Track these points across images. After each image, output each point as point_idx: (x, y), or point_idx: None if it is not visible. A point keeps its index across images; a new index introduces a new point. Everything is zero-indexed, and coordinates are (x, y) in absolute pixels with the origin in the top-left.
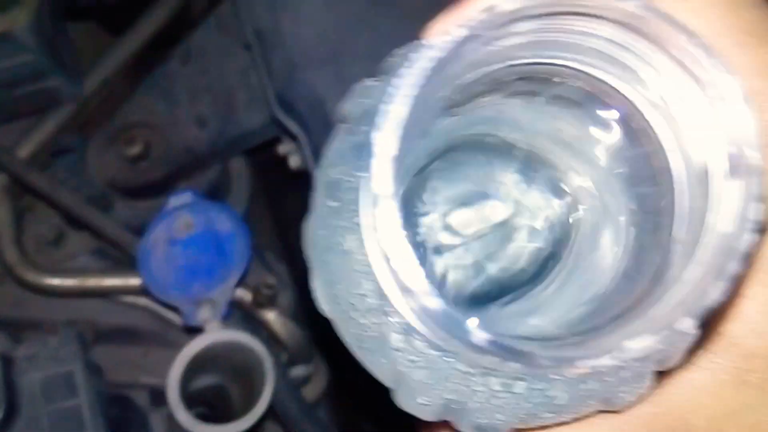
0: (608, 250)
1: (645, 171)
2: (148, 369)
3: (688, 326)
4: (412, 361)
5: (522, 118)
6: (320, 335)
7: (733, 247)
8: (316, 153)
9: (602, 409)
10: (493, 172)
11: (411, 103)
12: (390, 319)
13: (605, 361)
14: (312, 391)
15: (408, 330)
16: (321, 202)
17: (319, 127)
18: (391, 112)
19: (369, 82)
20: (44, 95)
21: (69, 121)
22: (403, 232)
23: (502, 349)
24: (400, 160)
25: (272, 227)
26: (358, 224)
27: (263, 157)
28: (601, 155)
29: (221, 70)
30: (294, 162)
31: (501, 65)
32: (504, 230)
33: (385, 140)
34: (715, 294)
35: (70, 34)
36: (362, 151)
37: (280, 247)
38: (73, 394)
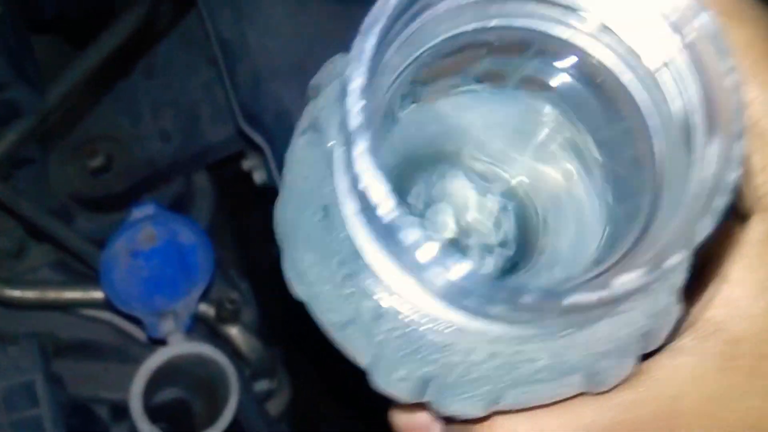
0: (587, 207)
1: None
2: (109, 383)
3: (677, 261)
4: (389, 330)
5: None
6: (283, 351)
7: (719, 184)
8: (281, 165)
9: (585, 390)
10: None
11: (378, 40)
12: (365, 282)
13: (589, 297)
14: (274, 407)
15: (383, 292)
16: (292, 176)
17: (285, 139)
18: (360, 50)
19: (337, 58)
20: (6, 107)
21: (30, 132)
22: (378, 170)
23: (483, 284)
24: (372, 94)
25: (235, 243)
26: (331, 190)
27: (227, 172)
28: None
29: (185, 84)
30: (259, 177)
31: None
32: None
33: (357, 72)
34: (703, 229)
35: (33, 46)
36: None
37: (243, 263)
38: (35, 404)
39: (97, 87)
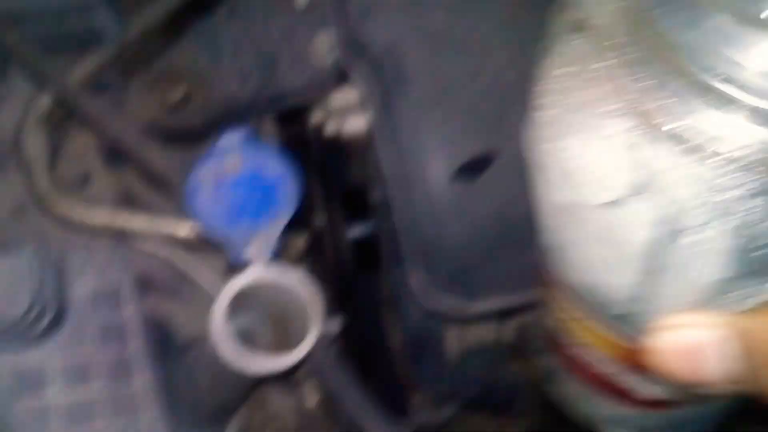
0: None
1: None
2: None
3: None
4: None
5: None
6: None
7: None
8: (385, 101)
9: None
10: None
11: None
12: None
13: None
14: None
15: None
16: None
17: (392, 74)
18: None
19: None
20: (88, 31)
21: (111, 60)
22: None
23: None
24: None
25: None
26: None
27: (294, 123)
28: None
29: (266, 28)
30: (329, 130)
31: None
32: None
33: None
34: None
35: None
36: None
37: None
38: (119, 310)
39: (180, 22)
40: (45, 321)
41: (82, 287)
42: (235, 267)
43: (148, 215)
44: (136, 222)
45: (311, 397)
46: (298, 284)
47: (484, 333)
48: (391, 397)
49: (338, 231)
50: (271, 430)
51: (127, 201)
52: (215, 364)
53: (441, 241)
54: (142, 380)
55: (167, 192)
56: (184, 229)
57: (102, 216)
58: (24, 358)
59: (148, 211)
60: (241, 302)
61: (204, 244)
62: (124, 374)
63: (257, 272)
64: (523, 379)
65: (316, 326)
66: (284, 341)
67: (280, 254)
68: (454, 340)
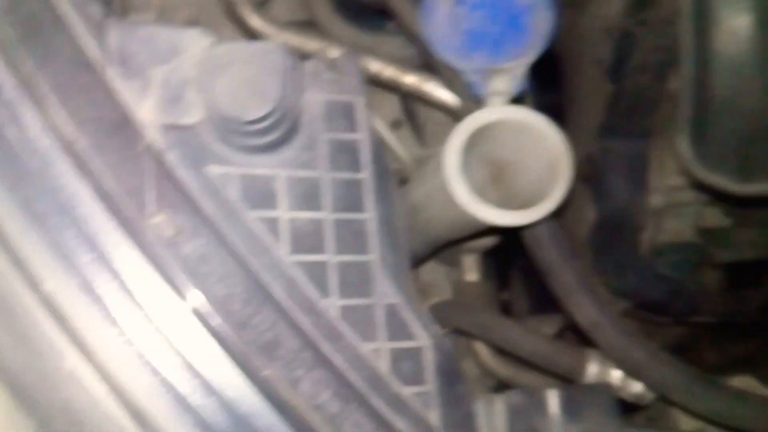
0: None
1: None
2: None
3: None
4: None
5: None
6: None
7: None
8: None
9: None
10: None
11: None
12: None
13: None
14: None
15: None
16: None
17: None
18: None
19: None
20: None
21: None
22: None
23: None
24: None
25: None
26: None
27: None
28: None
29: None
30: None
31: None
32: None
33: None
34: None
35: None
36: None
37: None
38: (352, 128)
39: None
40: (283, 127)
41: (315, 97)
42: (470, 102)
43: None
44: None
45: (471, 273)
46: (549, 129)
47: (678, 231)
48: None
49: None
50: (427, 296)
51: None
52: (444, 205)
53: (734, 100)
54: (370, 214)
55: None
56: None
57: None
58: (255, 166)
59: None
60: (475, 143)
61: (437, 72)
62: (353, 202)
63: (497, 111)
64: (711, 290)
65: (566, 179)
66: (508, 197)
67: (522, 99)
68: (648, 235)
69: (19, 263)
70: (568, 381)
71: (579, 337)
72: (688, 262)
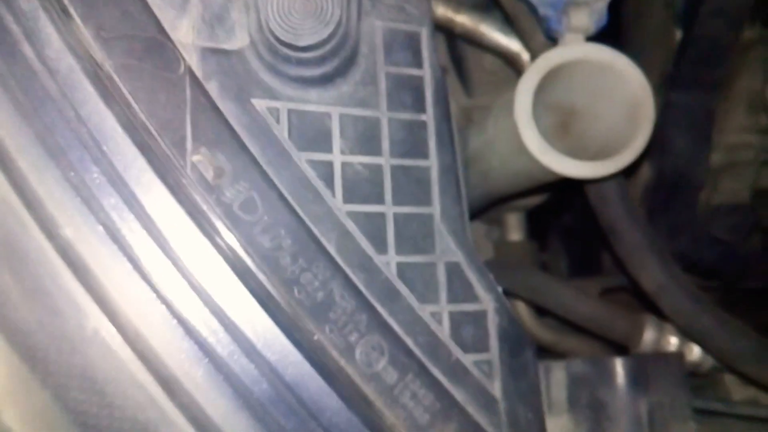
0: None
1: None
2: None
3: None
4: None
5: None
6: None
7: None
8: None
9: None
10: None
11: None
12: None
13: None
14: None
15: None
16: None
17: None
18: None
19: None
20: None
21: None
22: None
23: None
24: None
25: None
26: None
27: None
28: None
29: None
30: None
31: None
32: None
33: None
34: None
35: None
36: None
37: None
38: (417, 63)
39: None
40: (341, 56)
41: (376, 24)
42: (548, 37)
43: None
44: None
45: (514, 233)
46: (634, 71)
47: (735, 192)
48: None
49: None
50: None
51: None
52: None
53: None
54: (433, 161)
55: None
56: None
57: None
58: (308, 101)
59: None
60: (545, 87)
61: (504, 4)
62: (415, 146)
63: (576, 49)
64: (759, 254)
65: (648, 128)
66: (576, 147)
67: (606, 34)
68: (704, 195)
69: (34, 204)
70: (617, 347)
71: (623, 302)
72: (743, 225)
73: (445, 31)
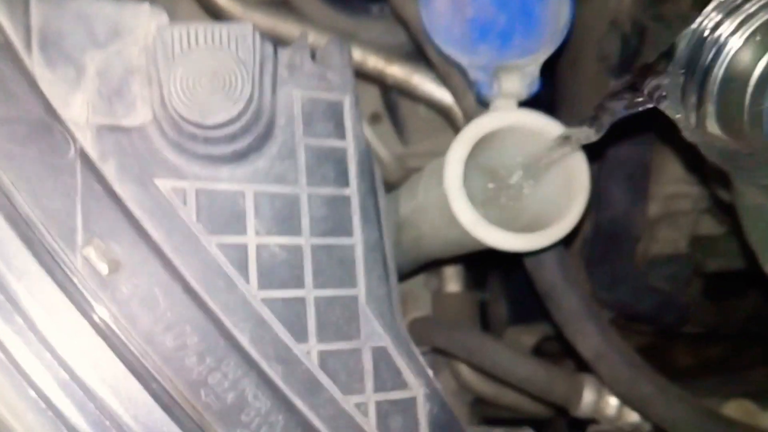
0: None
1: None
2: None
3: None
4: None
5: None
6: None
7: None
8: None
9: None
10: None
11: None
12: None
13: None
14: None
15: None
16: None
17: None
18: None
19: None
20: None
21: None
22: None
23: None
24: None
25: None
26: None
27: None
28: None
29: None
30: None
31: None
32: None
33: None
34: None
35: None
36: None
37: None
38: (339, 134)
39: None
40: (254, 132)
41: (294, 94)
42: (479, 102)
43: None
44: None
45: (452, 284)
46: (565, 137)
47: (673, 242)
48: None
49: None
50: (405, 311)
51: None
52: (439, 225)
53: None
54: (357, 238)
55: None
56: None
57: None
58: (218, 180)
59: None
60: (477, 151)
61: (434, 67)
62: (337, 224)
63: (507, 116)
64: (698, 301)
65: (583, 198)
66: (511, 212)
67: (538, 100)
68: (641, 248)
69: None
70: (557, 406)
71: (562, 348)
72: (681, 274)
73: (377, 82)
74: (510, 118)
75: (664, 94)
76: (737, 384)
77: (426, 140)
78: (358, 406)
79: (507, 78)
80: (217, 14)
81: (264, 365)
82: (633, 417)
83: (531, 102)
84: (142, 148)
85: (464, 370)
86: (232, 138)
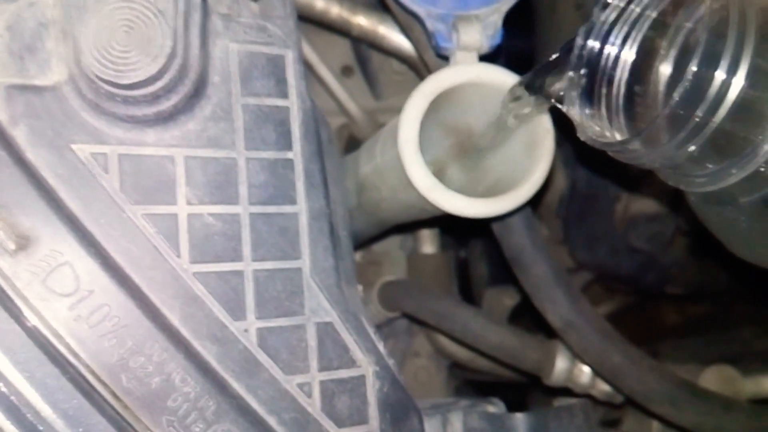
0: None
1: None
2: None
3: None
4: None
5: None
6: None
7: None
8: None
9: None
10: None
11: None
12: None
13: None
14: None
15: None
16: None
17: None
18: None
19: None
20: None
21: None
22: None
23: None
24: None
25: None
26: None
27: None
28: None
29: None
30: None
31: None
32: None
33: None
34: None
35: None
36: None
37: None
38: (280, 92)
39: None
40: (180, 91)
41: (230, 48)
42: (432, 57)
43: None
44: None
45: (427, 245)
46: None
47: (650, 204)
48: None
49: None
50: (379, 273)
51: None
52: (393, 183)
53: None
54: (301, 206)
55: None
56: None
57: None
58: (143, 144)
59: None
60: (438, 108)
61: (394, 17)
62: (279, 191)
63: (466, 70)
64: (681, 261)
65: (547, 159)
66: (475, 172)
67: (501, 55)
68: (621, 206)
69: None
70: (531, 375)
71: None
72: (663, 234)
73: (342, 33)
74: (468, 74)
75: (562, 93)
76: (723, 343)
77: (398, 95)
78: (301, 386)
79: (466, 29)
80: None
81: (195, 345)
82: (607, 386)
83: (509, 54)
84: (57, 110)
85: (440, 335)
86: (155, 98)
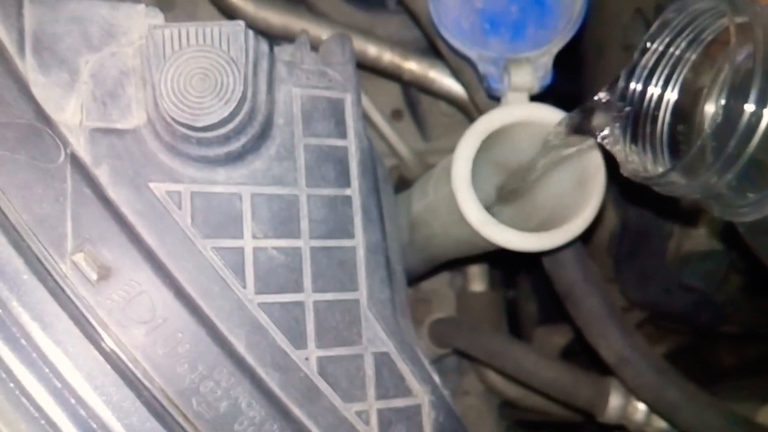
0: None
1: None
2: None
3: None
4: None
5: None
6: None
7: None
8: None
9: None
10: None
11: None
12: None
13: None
14: None
15: None
16: None
17: None
18: None
19: None
20: None
21: None
22: None
23: None
24: None
25: None
26: None
27: None
28: None
29: None
30: None
31: None
32: None
33: None
34: None
35: None
36: None
37: None
38: (339, 133)
39: None
40: (249, 132)
41: (293, 92)
42: (483, 98)
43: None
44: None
45: (476, 283)
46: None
47: (708, 238)
48: None
49: None
50: (429, 310)
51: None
52: (447, 223)
53: None
54: (358, 240)
55: None
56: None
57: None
58: (214, 182)
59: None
60: (489, 147)
61: (444, 60)
62: (338, 226)
63: (517, 110)
64: (736, 299)
65: (599, 195)
66: (525, 210)
67: (549, 96)
68: (674, 243)
69: None
70: (583, 412)
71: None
72: (716, 272)
73: (394, 78)
74: (519, 113)
75: (607, 132)
76: None
77: (447, 136)
78: (359, 414)
79: (517, 71)
80: (231, 14)
81: (260, 372)
82: (663, 423)
83: (558, 95)
84: (137, 151)
85: (490, 372)
86: (226, 139)
